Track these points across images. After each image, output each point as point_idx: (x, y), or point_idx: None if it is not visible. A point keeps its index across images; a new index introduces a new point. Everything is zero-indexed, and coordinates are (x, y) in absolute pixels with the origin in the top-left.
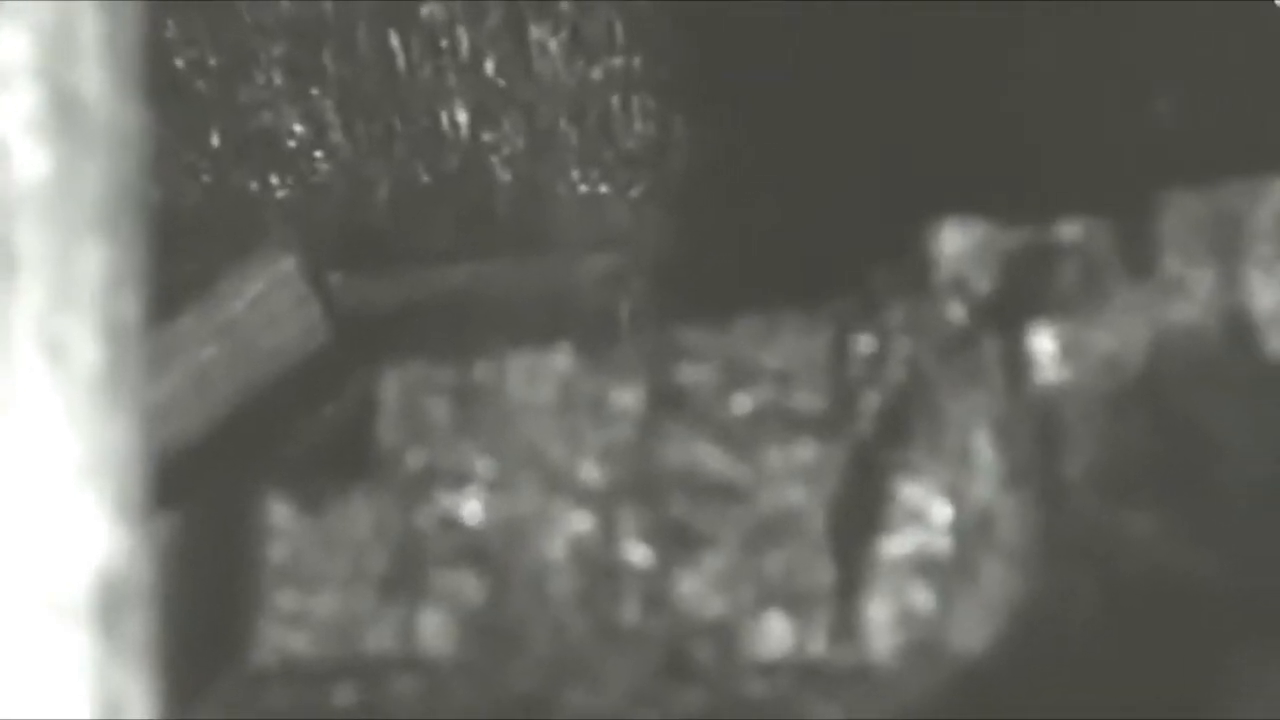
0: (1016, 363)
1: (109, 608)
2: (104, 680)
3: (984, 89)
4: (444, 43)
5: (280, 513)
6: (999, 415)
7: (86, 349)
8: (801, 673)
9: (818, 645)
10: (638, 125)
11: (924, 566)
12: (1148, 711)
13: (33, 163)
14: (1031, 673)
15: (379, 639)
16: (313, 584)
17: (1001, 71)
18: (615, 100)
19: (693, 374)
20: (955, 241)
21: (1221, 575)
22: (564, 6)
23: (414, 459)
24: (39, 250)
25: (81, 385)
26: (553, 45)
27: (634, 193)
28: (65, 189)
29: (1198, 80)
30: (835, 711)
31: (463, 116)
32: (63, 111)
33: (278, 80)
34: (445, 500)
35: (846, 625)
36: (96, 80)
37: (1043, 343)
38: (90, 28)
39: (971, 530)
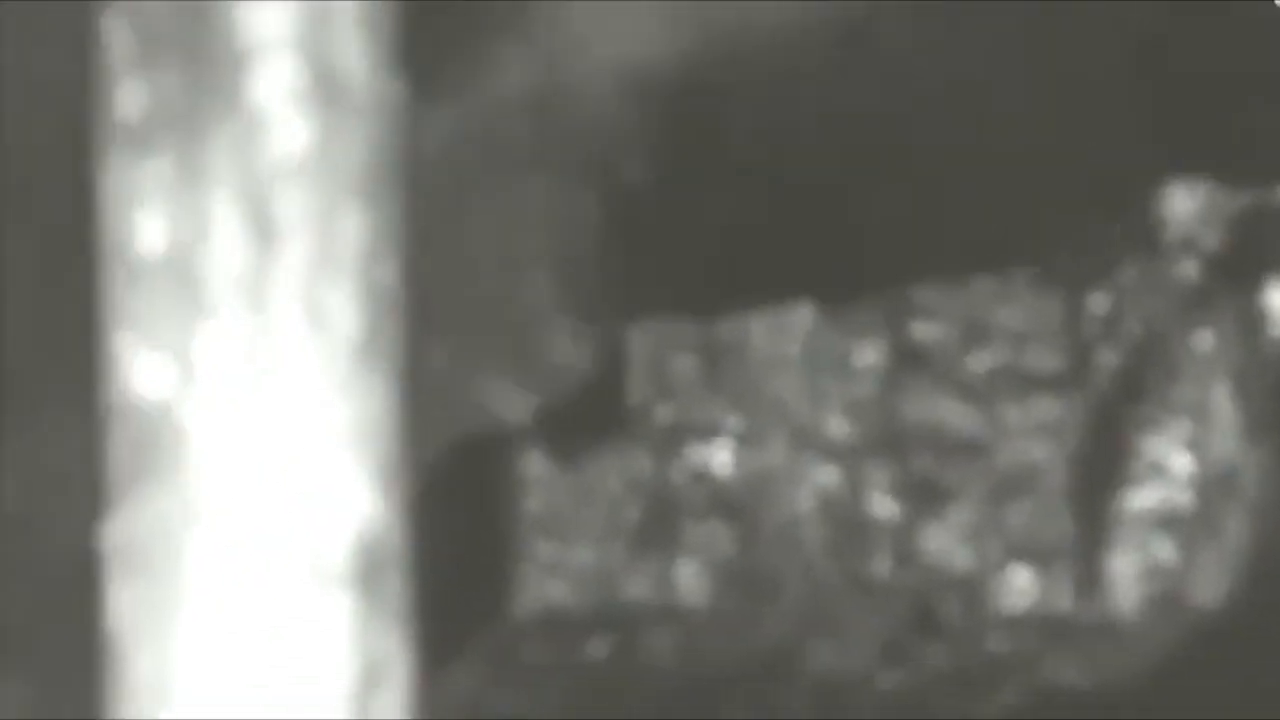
0: (1252, 318)
1: (370, 571)
2: (365, 643)
3: (1203, 49)
4: None
5: (537, 465)
6: (1237, 369)
7: (347, 315)
8: (1046, 627)
9: (1062, 599)
10: None
11: (1166, 520)
12: None
13: (293, 133)
14: (1274, 626)
15: (635, 589)
16: (569, 535)
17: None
18: None
19: (931, 332)
20: (1183, 201)
21: None
22: None
23: (663, 414)
24: (300, 218)
25: (342, 351)
26: None
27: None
28: (325, 158)
29: None
30: (1079, 666)
31: None
32: (322, 82)
33: None
34: (695, 454)
35: (1090, 579)
36: (355, 51)
37: (1278, 297)
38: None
39: (1214, 484)
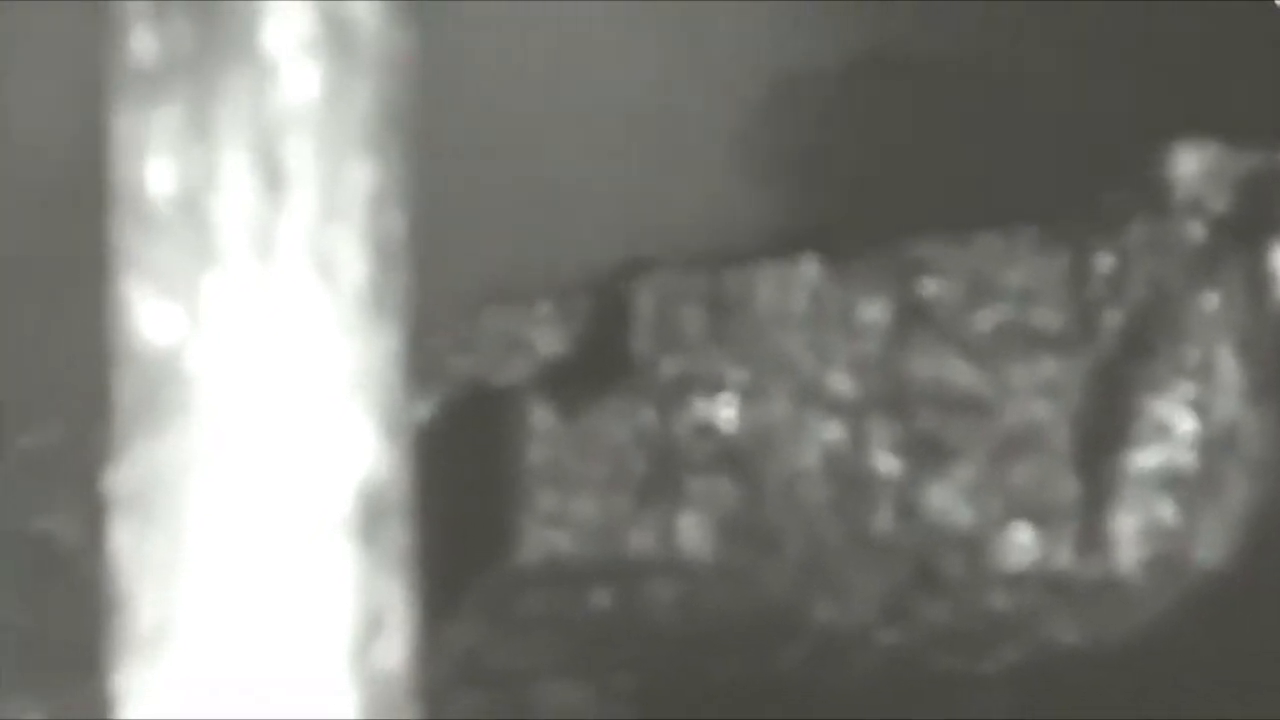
0: (1257, 279)
1: (372, 519)
2: (367, 590)
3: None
4: None
5: (541, 416)
6: (1242, 330)
7: (354, 264)
8: (1047, 584)
9: (1063, 557)
10: None
11: (1169, 480)
12: None
13: (303, 81)
14: (1275, 586)
15: (639, 541)
16: (572, 487)
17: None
18: None
19: (936, 288)
20: (1190, 163)
21: None
22: None
23: (668, 367)
24: (308, 167)
25: (349, 299)
26: None
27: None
28: (334, 108)
29: None
30: (1079, 624)
31: None
32: (333, 32)
33: None
34: (700, 407)
35: (1092, 538)
36: (366, 2)
37: None
38: None
39: (1216, 444)
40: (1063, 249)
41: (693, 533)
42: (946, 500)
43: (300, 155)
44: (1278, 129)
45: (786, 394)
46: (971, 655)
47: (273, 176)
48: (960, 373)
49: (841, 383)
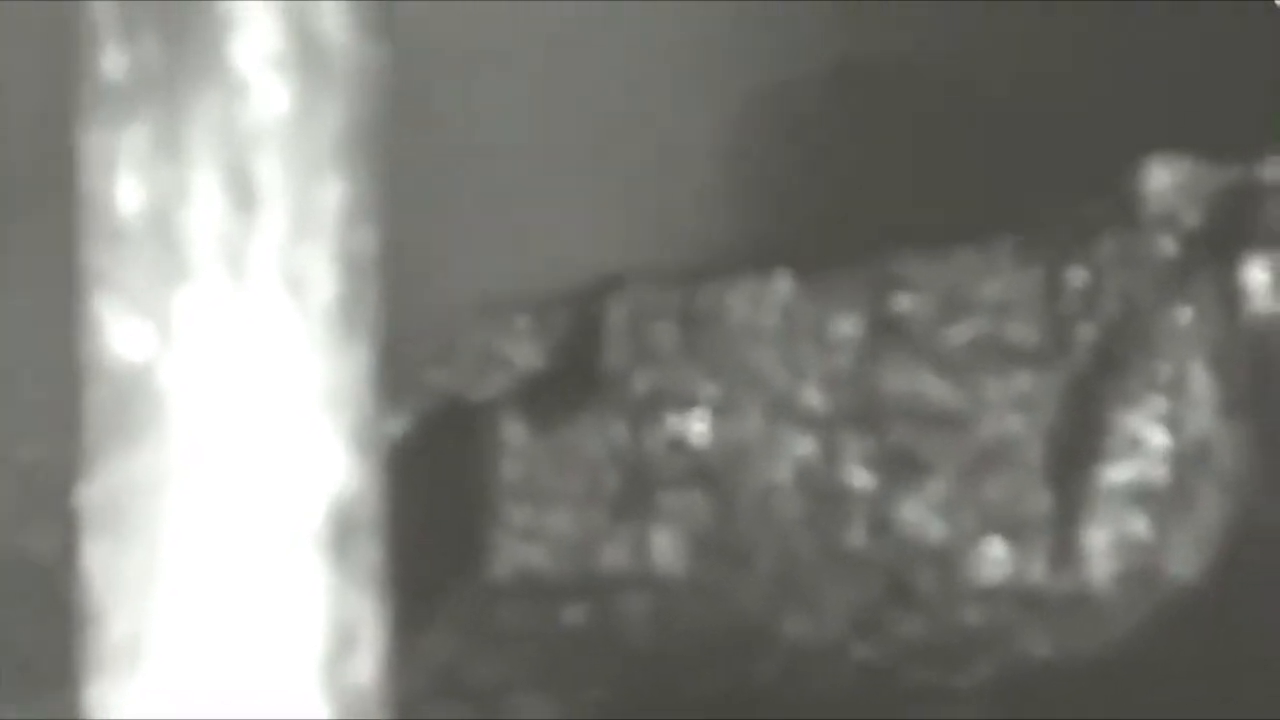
0: (1230, 294)
1: (343, 534)
2: (339, 605)
3: (1188, 26)
4: None
5: (513, 431)
6: (1214, 346)
7: (325, 281)
8: (1020, 599)
9: (1036, 572)
10: None
11: (1141, 495)
12: None
13: (273, 98)
14: (1247, 601)
15: (612, 556)
16: (546, 502)
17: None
18: None
19: (910, 303)
20: (1163, 177)
21: None
22: None
23: (641, 382)
24: (279, 184)
25: (320, 316)
26: None
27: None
28: (305, 124)
29: None
30: (1052, 638)
31: None
32: (303, 48)
33: None
34: (673, 423)
35: (1064, 552)
36: (335, 17)
37: (1255, 274)
38: None
39: (1188, 458)
40: (1036, 263)
41: (665, 548)
42: (919, 515)
43: (270, 172)
44: (1250, 143)
45: (759, 409)
46: (945, 670)
47: (243, 193)
48: (933, 387)
49: (814, 398)
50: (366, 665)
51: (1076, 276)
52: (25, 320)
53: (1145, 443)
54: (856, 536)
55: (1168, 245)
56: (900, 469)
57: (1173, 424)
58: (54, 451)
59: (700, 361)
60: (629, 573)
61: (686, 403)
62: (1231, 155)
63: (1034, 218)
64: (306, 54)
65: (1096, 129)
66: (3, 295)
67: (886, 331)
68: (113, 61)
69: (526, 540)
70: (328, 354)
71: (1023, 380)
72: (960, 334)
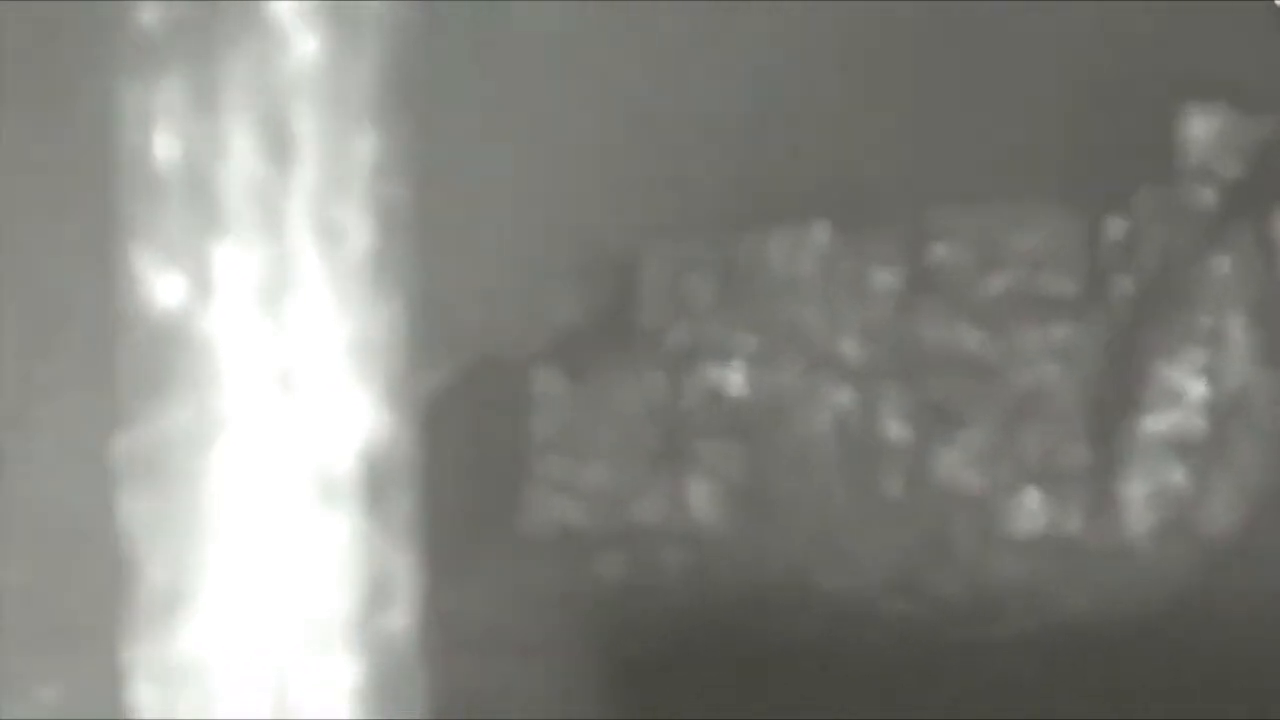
0: (1268, 245)
1: (379, 488)
2: (372, 557)
3: None
4: None
5: (550, 384)
6: (1252, 296)
7: (359, 233)
8: (1057, 551)
9: (1074, 523)
10: None
11: (1179, 446)
12: None
13: (309, 51)
14: None
15: (649, 509)
16: (582, 454)
17: None
18: None
19: (947, 255)
20: (1201, 129)
21: None
22: None
23: (678, 334)
24: (314, 135)
25: (353, 268)
26: None
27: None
28: (339, 77)
29: None
30: (1089, 590)
31: None
32: (337, 3)
33: None
34: (710, 374)
35: (1102, 503)
36: None
37: None
38: None
39: (1227, 410)
40: (1074, 215)
41: (703, 500)
42: (956, 466)
43: (306, 125)
44: None
45: (796, 361)
46: (981, 622)
47: (278, 146)
48: (971, 338)
49: (852, 349)
50: (402, 618)
51: (1115, 228)
52: (63, 273)
53: (1183, 394)
54: (894, 488)
55: (1206, 197)
56: (938, 420)
57: (1211, 375)
58: (90, 403)
59: (738, 314)
60: (666, 525)
61: (724, 355)
62: (1270, 107)
63: (1072, 170)
64: (340, 7)
65: (1135, 82)
66: (41, 249)
67: (924, 283)
68: (149, 15)
69: (563, 493)
70: (362, 306)
71: (1060, 332)
72: (997, 285)
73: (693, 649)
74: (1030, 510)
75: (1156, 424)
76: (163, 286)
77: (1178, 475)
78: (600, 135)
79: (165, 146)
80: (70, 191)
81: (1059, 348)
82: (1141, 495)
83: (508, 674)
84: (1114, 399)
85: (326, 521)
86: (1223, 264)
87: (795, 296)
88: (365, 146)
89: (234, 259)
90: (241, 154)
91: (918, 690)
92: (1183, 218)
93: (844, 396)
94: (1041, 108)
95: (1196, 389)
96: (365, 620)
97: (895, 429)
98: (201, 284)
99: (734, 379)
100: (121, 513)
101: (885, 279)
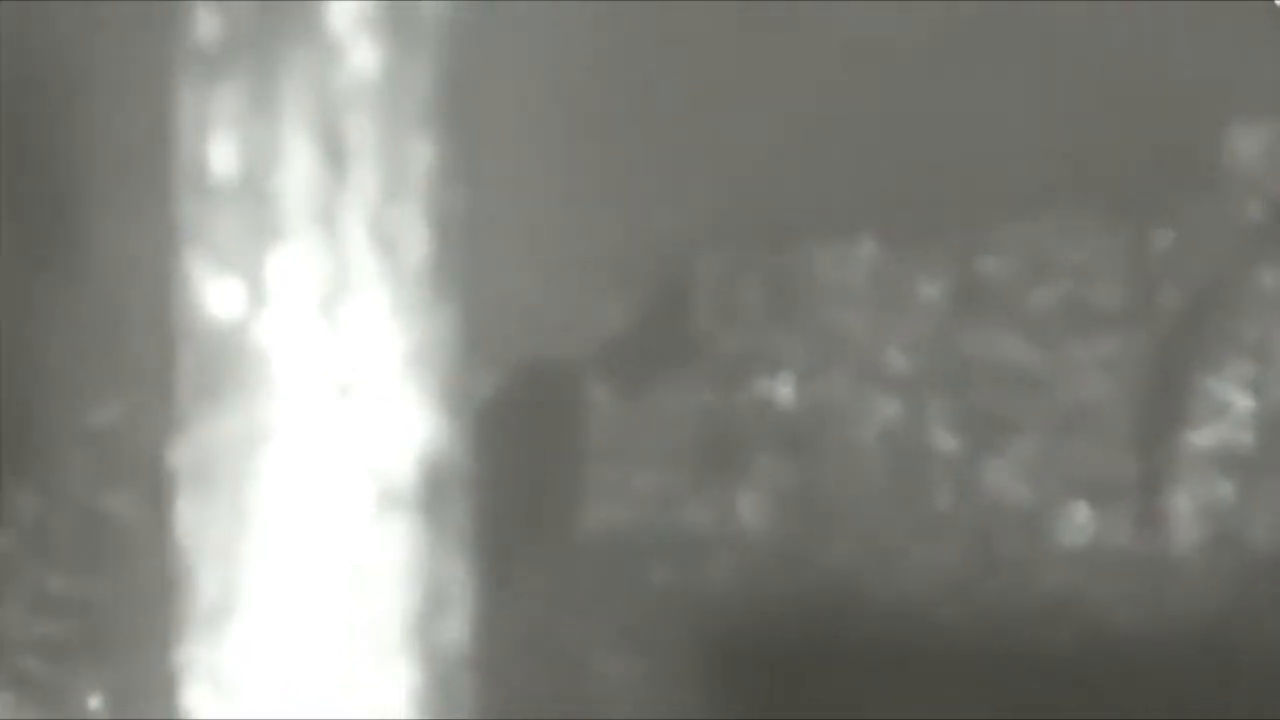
0: None
1: (433, 494)
2: (428, 566)
3: None
4: None
5: (601, 392)
6: None
7: (416, 241)
8: (1104, 563)
9: (1121, 536)
10: None
11: (1227, 459)
12: None
13: (365, 58)
14: None
15: (699, 517)
16: (633, 461)
17: None
18: None
19: (996, 266)
20: (1249, 142)
21: None
22: None
23: (728, 344)
24: (370, 144)
25: (410, 276)
26: None
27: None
28: (396, 84)
29: None
30: (1136, 602)
31: None
32: (395, 8)
33: None
34: (760, 385)
35: (1150, 517)
36: None
37: None
38: None
39: (1275, 423)
40: (1121, 227)
41: (751, 510)
42: (1004, 477)
43: (362, 131)
44: None
45: (845, 371)
46: (1029, 632)
47: (335, 153)
48: (1019, 350)
49: (900, 360)
50: (457, 626)
51: (1162, 239)
52: (119, 280)
53: (1231, 407)
54: (941, 499)
55: (1254, 209)
56: (985, 432)
57: (1258, 388)
58: (146, 410)
59: (787, 324)
60: (715, 534)
61: (773, 365)
62: None
63: (1120, 181)
64: (398, 14)
65: (1184, 93)
66: (98, 255)
67: (972, 294)
68: (206, 22)
69: (614, 501)
70: (418, 314)
71: (1108, 344)
72: (1046, 297)
73: (742, 655)
74: (1078, 523)
75: (1203, 437)
76: (219, 294)
77: (1225, 488)
78: (655, 144)
79: (222, 154)
80: (127, 199)
81: (1106, 360)
82: (1189, 508)
83: (560, 680)
84: (1161, 411)
85: (383, 528)
86: (1271, 276)
87: (844, 307)
88: (422, 153)
89: (291, 266)
90: (298, 161)
91: (964, 700)
92: (1230, 230)
93: (892, 408)
94: (1089, 120)
95: (1244, 402)
96: (420, 628)
97: (943, 440)
98: (258, 291)
99: (783, 389)
100: (177, 520)
101: (933, 291)
